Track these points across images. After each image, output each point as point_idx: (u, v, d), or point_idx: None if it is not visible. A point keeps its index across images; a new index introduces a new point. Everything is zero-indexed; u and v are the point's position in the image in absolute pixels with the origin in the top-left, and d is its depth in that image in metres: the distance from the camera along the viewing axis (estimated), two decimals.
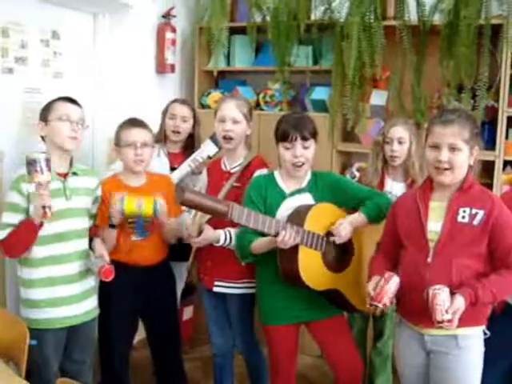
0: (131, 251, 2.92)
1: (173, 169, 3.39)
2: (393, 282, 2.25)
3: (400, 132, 3.12)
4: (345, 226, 2.58)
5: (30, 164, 2.39)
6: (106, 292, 2.99)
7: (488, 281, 2.18)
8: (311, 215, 2.55)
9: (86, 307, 2.77)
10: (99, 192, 2.87)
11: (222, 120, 2.93)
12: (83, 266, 2.73)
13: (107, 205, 2.84)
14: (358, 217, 2.63)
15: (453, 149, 2.22)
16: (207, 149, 3.27)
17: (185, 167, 3.27)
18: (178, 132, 3.49)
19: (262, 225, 2.44)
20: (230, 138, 2.92)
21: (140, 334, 3.20)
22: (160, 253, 3.01)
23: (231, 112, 2.92)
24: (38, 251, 2.61)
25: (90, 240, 2.80)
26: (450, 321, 2.09)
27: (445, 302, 2.10)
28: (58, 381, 1.84)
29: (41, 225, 2.51)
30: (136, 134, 2.89)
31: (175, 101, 3.60)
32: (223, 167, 3.02)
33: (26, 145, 2.73)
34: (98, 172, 3.21)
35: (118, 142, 2.95)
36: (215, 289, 2.98)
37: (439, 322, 2.10)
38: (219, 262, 2.89)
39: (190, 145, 3.55)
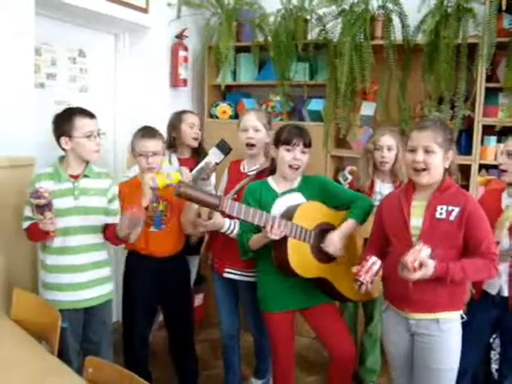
0: (149, 242, 2.90)
1: None
2: (373, 263, 2.28)
3: (389, 140, 3.12)
4: (334, 241, 2.59)
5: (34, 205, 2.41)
6: (128, 281, 3.02)
7: (461, 261, 2.19)
8: (300, 211, 2.56)
9: (97, 293, 2.74)
10: (115, 190, 2.83)
11: (244, 129, 2.95)
12: (91, 257, 2.71)
13: (126, 203, 2.83)
14: (348, 223, 2.63)
15: (427, 151, 2.23)
16: (214, 156, 3.26)
17: (196, 173, 3.24)
18: (197, 138, 3.49)
19: (252, 216, 2.45)
20: (252, 145, 2.94)
21: (157, 317, 3.19)
22: (176, 245, 2.99)
23: (253, 122, 2.94)
24: (54, 241, 2.61)
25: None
26: (414, 269, 2.09)
27: (420, 252, 2.10)
28: (87, 359, 1.83)
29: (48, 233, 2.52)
30: (146, 145, 2.86)
31: (188, 111, 3.56)
32: (242, 169, 3.03)
33: (55, 152, 2.73)
34: (116, 176, 3.22)
35: (132, 151, 2.95)
36: (225, 275, 2.98)
37: (403, 262, 2.10)
38: (230, 251, 2.87)
39: (199, 149, 3.53)
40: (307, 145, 2.66)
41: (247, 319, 3.13)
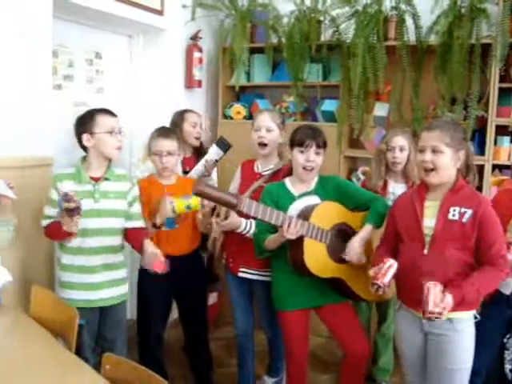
0: (161, 242, 2.91)
1: (184, 172, 3.36)
2: (390, 266, 2.26)
3: (401, 141, 3.12)
4: (354, 248, 2.58)
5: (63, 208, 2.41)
6: (143, 280, 3.03)
7: (474, 278, 2.17)
8: (317, 211, 2.55)
9: (112, 293, 2.75)
10: (134, 192, 2.82)
11: (257, 129, 2.94)
12: (107, 259, 2.72)
13: (144, 200, 2.87)
14: (365, 230, 2.62)
15: (435, 151, 2.22)
16: (213, 153, 3.28)
17: (196, 171, 3.27)
18: (199, 138, 3.51)
19: (269, 216, 2.44)
20: (265, 144, 2.93)
21: (172, 315, 3.20)
22: (190, 243, 3.01)
23: (266, 122, 2.92)
24: (72, 241, 2.62)
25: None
26: (440, 313, 2.07)
27: (437, 296, 2.08)
28: (104, 356, 1.85)
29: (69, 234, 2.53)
30: (161, 144, 2.88)
31: (189, 111, 3.56)
32: (255, 169, 3.02)
33: (73, 152, 2.75)
34: (133, 176, 3.24)
35: (149, 151, 2.97)
36: (240, 274, 2.98)
37: (430, 313, 2.07)
38: (245, 251, 2.88)
39: (200, 148, 3.54)
40: (321, 146, 2.64)
41: (261, 318, 3.13)
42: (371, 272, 2.30)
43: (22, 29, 2.77)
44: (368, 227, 2.62)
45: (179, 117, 3.50)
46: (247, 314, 3.15)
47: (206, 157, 3.27)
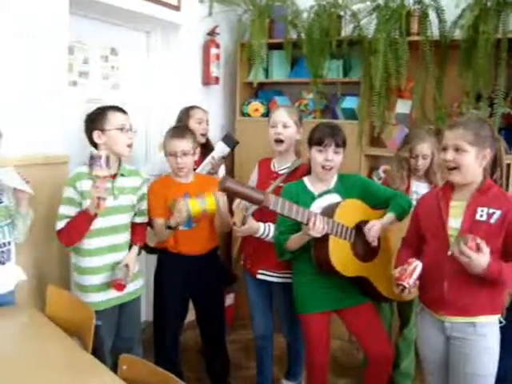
0: (178, 241, 2.95)
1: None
2: (415, 266, 2.26)
3: (426, 150, 3.13)
4: (375, 228, 2.60)
5: (93, 159, 2.49)
6: (159, 278, 3.08)
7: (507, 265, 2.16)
8: (340, 209, 2.57)
9: (129, 289, 2.81)
10: (144, 189, 2.90)
11: (273, 125, 2.95)
12: (125, 255, 2.79)
13: (160, 201, 2.91)
14: (387, 217, 2.65)
15: (457, 149, 2.22)
16: (220, 150, 3.29)
17: (204, 168, 3.29)
18: (205, 134, 3.53)
19: (296, 213, 2.45)
20: (281, 141, 2.94)
21: (188, 317, 3.23)
22: (207, 243, 3.04)
23: (282, 117, 2.94)
24: (90, 242, 2.68)
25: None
26: (475, 247, 2.06)
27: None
28: (121, 357, 1.89)
29: (95, 215, 2.57)
30: (176, 144, 2.90)
31: (195, 107, 3.57)
32: (272, 167, 3.04)
33: (88, 149, 2.80)
34: (146, 172, 3.29)
35: (164, 149, 3.00)
36: (259, 276, 3.01)
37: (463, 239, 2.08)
38: (263, 252, 2.91)
39: (207, 145, 3.55)
40: (340, 145, 2.65)
41: (280, 320, 3.15)
42: (396, 272, 2.30)
43: (38, 25, 2.82)
44: (390, 215, 2.65)
45: (185, 114, 3.53)
46: (266, 317, 3.18)
47: (213, 154, 3.29)
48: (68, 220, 2.64)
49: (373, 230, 2.60)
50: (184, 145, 2.91)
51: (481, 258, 2.06)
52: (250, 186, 2.54)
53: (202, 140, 3.51)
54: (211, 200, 2.75)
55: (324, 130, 2.66)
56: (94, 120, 2.70)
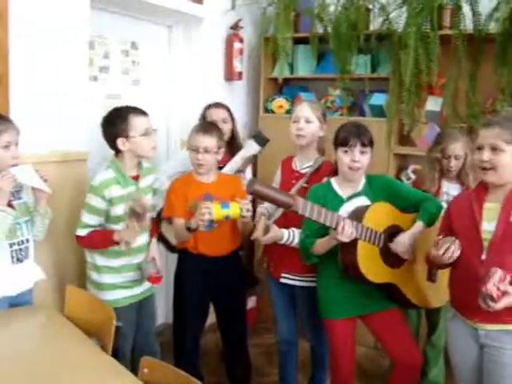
0: (198, 242, 2.96)
1: (219, 168, 3.38)
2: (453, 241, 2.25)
3: (458, 150, 3.11)
4: (404, 243, 2.60)
5: (133, 212, 2.55)
6: (179, 279, 3.09)
7: None
8: (370, 213, 2.56)
9: (146, 286, 2.89)
10: (156, 185, 2.94)
11: (296, 120, 2.95)
12: (145, 254, 2.85)
13: (180, 200, 2.92)
14: (416, 226, 2.62)
15: (494, 149, 2.19)
16: (250, 148, 3.28)
17: (232, 166, 3.28)
18: (223, 134, 3.52)
19: (324, 217, 2.44)
20: (302, 136, 2.93)
21: (209, 319, 3.24)
22: (229, 245, 3.04)
23: (305, 112, 2.93)
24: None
25: None
26: (496, 297, 2.03)
27: (500, 277, 2.05)
28: (142, 359, 1.90)
29: (117, 243, 2.65)
30: (199, 140, 2.90)
31: (210, 106, 3.55)
32: (294, 166, 3.02)
33: (107, 147, 2.82)
34: (170, 168, 3.31)
35: (187, 144, 3.00)
36: (282, 280, 3.00)
37: (485, 296, 2.05)
38: (286, 256, 2.90)
39: (232, 143, 3.54)
40: (366, 144, 2.63)
41: (303, 325, 3.14)
42: (433, 250, 2.29)
43: (59, 19, 2.85)
44: (419, 224, 2.62)
45: (202, 113, 3.53)
46: (290, 321, 3.17)
47: (242, 152, 3.28)
48: (89, 230, 2.69)
49: (400, 245, 2.59)
50: (208, 141, 2.91)
51: (509, 300, 2.06)
52: (277, 189, 2.54)
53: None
54: (236, 209, 2.73)
55: (349, 130, 2.65)
56: (117, 125, 2.68)
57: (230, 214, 2.73)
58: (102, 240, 2.68)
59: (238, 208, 2.72)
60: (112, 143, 2.71)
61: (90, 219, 2.69)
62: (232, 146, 3.49)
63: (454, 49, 3.52)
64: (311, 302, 2.90)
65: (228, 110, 3.55)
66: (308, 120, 2.92)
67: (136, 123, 2.68)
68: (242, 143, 3.49)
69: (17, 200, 2.46)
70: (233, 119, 3.55)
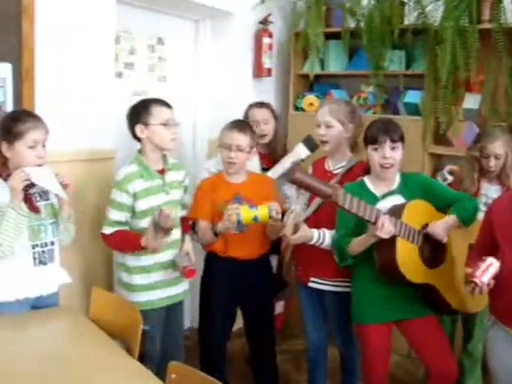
0: (228, 245, 2.97)
1: (263, 169, 3.40)
2: (490, 264, 2.20)
3: (497, 149, 3.06)
4: (439, 225, 2.58)
5: (157, 224, 2.55)
6: (206, 282, 3.10)
7: None
8: (407, 210, 2.55)
9: (179, 289, 2.91)
10: (187, 182, 2.97)
11: (317, 125, 2.95)
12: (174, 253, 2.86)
13: (206, 202, 2.94)
14: (450, 218, 2.61)
15: None
16: (300, 152, 3.28)
17: (278, 169, 3.28)
18: (265, 135, 3.52)
19: (364, 211, 2.44)
20: (325, 142, 2.93)
21: (236, 324, 3.25)
22: (259, 248, 3.04)
23: (325, 117, 2.92)
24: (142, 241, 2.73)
25: None
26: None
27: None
28: (170, 364, 1.90)
29: (142, 248, 2.66)
30: (232, 137, 2.92)
31: (252, 106, 3.58)
32: (326, 167, 3.02)
33: (135, 143, 2.84)
34: (195, 169, 3.31)
35: (219, 142, 3.01)
36: (310, 284, 2.99)
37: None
38: (316, 259, 2.89)
39: (274, 143, 3.56)
40: (396, 140, 2.62)
41: (332, 331, 3.12)
42: (468, 269, 2.26)
43: (85, 15, 2.88)
44: (452, 216, 2.60)
45: (244, 114, 3.55)
46: (319, 328, 3.14)
47: (292, 156, 3.29)
48: (116, 229, 2.72)
49: (436, 227, 2.58)
50: (242, 139, 2.92)
51: None
52: (318, 179, 2.53)
53: (261, 141, 3.47)
54: (265, 212, 2.73)
55: (377, 127, 2.66)
56: (138, 113, 2.76)
57: (259, 215, 2.73)
58: (129, 244, 2.70)
59: (267, 209, 2.73)
60: (133, 131, 2.78)
61: (115, 215, 2.72)
62: (273, 147, 3.51)
63: (493, 43, 3.47)
64: (341, 308, 2.89)
65: (271, 110, 3.58)
66: (328, 125, 2.91)
67: (156, 112, 2.74)
68: (283, 145, 3.50)
69: (44, 201, 2.49)
70: (276, 119, 3.57)
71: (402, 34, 3.78)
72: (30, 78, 2.66)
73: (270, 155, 3.53)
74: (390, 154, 2.62)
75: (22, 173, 2.30)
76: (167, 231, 2.57)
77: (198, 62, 4.06)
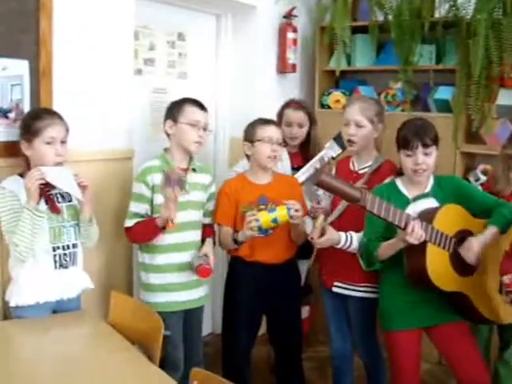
0: (254, 249, 2.97)
1: (294, 169, 3.40)
2: None
3: None
4: (474, 249, 2.53)
5: (167, 178, 2.62)
6: (231, 287, 3.10)
7: None
8: (440, 215, 2.52)
9: (199, 294, 2.94)
10: (213, 189, 3.00)
11: (346, 123, 2.93)
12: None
13: (230, 206, 2.95)
14: (489, 231, 2.56)
15: None
16: (331, 150, 3.27)
17: (309, 168, 3.27)
18: (296, 138, 3.51)
19: (393, 216, 2.42)
20: (353, 142, 2.92)
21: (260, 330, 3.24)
22: (285, 252, 3.03)
23: (355, 115, 2.90)
24: (162, 239, 2.79)
25: None
26: None
27: None
28: (192, 371, 1.90)
29: (163, 228, 2.68)
30: (274, 131, 2.96)
31: (289, 106, 3.56)
32: (351, 167, 3.01)
33: (154, 143, 2.86)
34: (216, 169, 3.30)
35: (251, 138, 2.98)
36: (334, 289, 2.98)
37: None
38: (341, 263, 2.88)
39: (307, 144, 3.55)
40: (429, 144, 2.58)
41: (355, 339, 3.10)
42: (506, 279, 2.23)
43: (104, 10, 2.90)
44: (492, 229, 2.56)
45: (280, 111, 3.55)
46: (344, 335, 3.12)
47: (322, 154, 3.28)
48: (137, 220, 2.75)
49: (471, 251, 2.53)
50: (280, 133, 3.00)
51: None
52: (344, 181, 2.51)
53: (290, 143, 3.46)
54: (284, 212, 2.73)
55: (409, 130, 2.62)
56: (171, 109, 2.87)
57: (278, 216, 2.73)
58: (147, 228, 2.74)
59: (285, 209, 2.73)
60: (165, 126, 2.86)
61: (135, 207, 2.78)
62: (306, 149, 3.51)
63: None
64: (365, 314, 2.89)
65: (309, 113, 3.57)
66: (359, 124, 2.89)
67: (188, 110, 2.82)
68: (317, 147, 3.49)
69: (66, 202, 2.52)
70: (312, 122, 3.55)
71: (432, 28, 3.75)
72: (48, 76, 2.68)
73: (302, 154, 3.52)
74: (422, 159, 2.59)
75: (37, 172, 2.32)
76: (179, 185, 2.63)
77: (219, 58, 4.06)
